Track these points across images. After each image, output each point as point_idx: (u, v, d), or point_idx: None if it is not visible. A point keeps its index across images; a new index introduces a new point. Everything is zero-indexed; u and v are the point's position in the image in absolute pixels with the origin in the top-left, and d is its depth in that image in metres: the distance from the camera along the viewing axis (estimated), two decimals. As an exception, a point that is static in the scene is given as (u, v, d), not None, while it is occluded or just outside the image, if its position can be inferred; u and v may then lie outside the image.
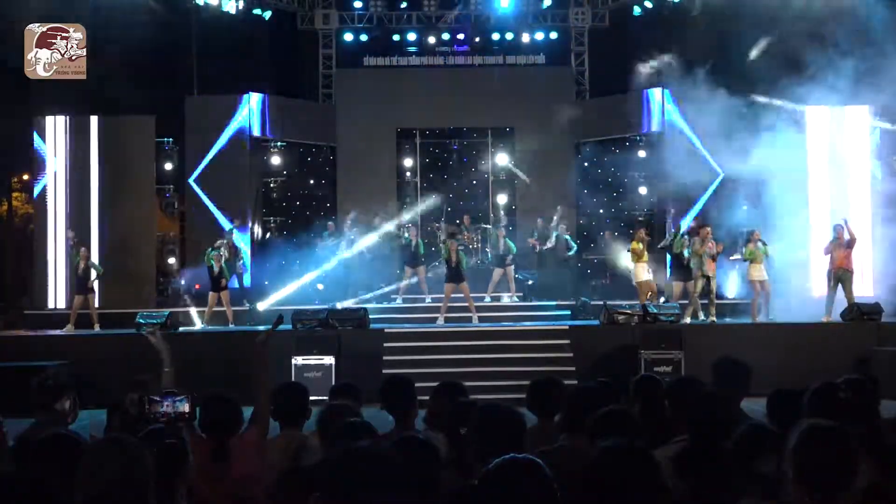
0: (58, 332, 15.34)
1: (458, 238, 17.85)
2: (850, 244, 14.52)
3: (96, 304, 15.84)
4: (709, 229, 14.89)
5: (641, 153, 19.99)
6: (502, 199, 21.34)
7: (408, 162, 21.55)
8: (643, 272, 15.46)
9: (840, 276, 14.55)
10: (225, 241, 16.68)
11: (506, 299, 16.86)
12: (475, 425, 3.31)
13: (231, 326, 15.41)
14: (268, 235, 20.37)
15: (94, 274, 15.60)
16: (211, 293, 15.62)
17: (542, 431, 4.35)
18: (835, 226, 14.87)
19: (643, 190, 20.03)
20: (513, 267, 16.90)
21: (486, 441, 3.20)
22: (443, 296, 15.56)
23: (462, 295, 15.48)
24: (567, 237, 17.61)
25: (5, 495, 2.39)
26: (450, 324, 15.31)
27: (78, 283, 15.69)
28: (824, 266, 14.88)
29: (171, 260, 19.95)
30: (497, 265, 16.90)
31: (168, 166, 19.81)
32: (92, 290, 15.69)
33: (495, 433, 3.23)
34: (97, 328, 15.45)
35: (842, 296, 14.60)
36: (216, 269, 15.47)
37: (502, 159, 21.00)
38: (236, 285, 17.01)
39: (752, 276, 14.82)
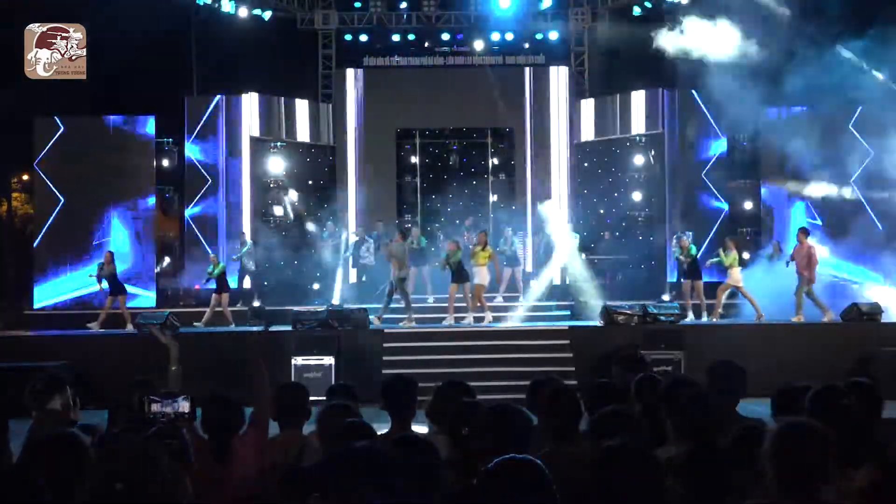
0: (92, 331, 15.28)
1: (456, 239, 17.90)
2: (810, 253, 14.72)
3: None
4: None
5: (641, 153, 19.94)
6: (501, 198, 21.32)
7: (408, 162, 21.53)
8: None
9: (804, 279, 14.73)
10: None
11: (522, 299, 16.82)
12: (484, 425, 3.30)
13: (231, 326, 15.54)
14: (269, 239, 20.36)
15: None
16: (213, 295, 16.00)
17: (542, 432, 4.34)
18: (798, 230, 15.30)
19: (643, 190, 19.97)
20: (521, 268, 16.88)
21: (494, 441, 3.19)
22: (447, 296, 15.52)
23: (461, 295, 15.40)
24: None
25: (6, 495, 2.39)
26: (449, 324, 15.28)
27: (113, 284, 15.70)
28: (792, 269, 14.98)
29: (167, 259, 19.95)
30: (507, 265, 16.87)
31: (167, 165, 19.77)
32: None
33: (504, 433, 3.22)
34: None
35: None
36: (215, 272, 15.78)
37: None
38: (234, 286, 17.31)
39: (733, 279, 15.15)
